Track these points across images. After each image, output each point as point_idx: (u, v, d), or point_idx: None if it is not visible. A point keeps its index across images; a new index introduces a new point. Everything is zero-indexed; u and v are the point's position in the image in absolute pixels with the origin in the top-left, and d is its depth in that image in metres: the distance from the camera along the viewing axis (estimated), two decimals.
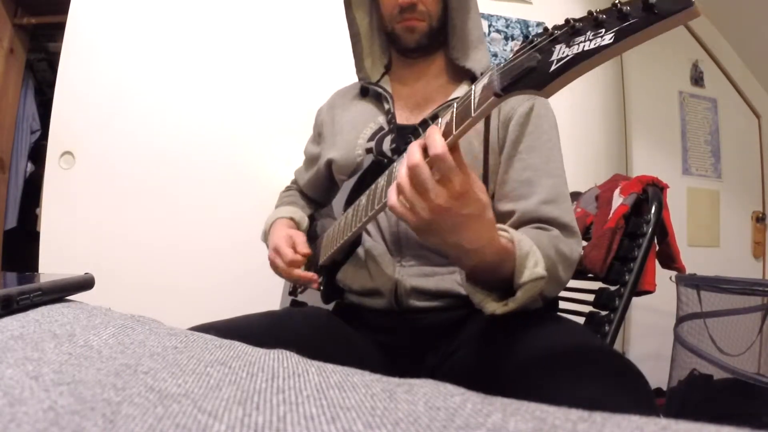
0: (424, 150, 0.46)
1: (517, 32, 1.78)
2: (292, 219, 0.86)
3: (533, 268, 0.53)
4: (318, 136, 0.93)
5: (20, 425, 0.19)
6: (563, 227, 0.66)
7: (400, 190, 0.47)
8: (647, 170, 1.12)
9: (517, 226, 0.68)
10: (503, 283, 0.55)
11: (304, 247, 0.75)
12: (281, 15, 1.59)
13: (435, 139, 0.44)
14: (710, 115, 2.18)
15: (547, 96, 0.38)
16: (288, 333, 0.63)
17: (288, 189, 1.04)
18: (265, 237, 0.87)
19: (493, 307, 0.53)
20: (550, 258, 0.59)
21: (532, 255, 0.54)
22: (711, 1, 2.03)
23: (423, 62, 0.82)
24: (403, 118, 0.79)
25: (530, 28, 1.78)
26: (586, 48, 0.34)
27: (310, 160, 0.95)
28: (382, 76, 0.87)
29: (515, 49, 0.41)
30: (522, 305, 0.53)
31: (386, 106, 0.80)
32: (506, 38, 1.77)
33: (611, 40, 0.33)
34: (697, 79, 2.18)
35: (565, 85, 0.37)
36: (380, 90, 0.81)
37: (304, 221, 0.88)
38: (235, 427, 0.19)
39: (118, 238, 1.41)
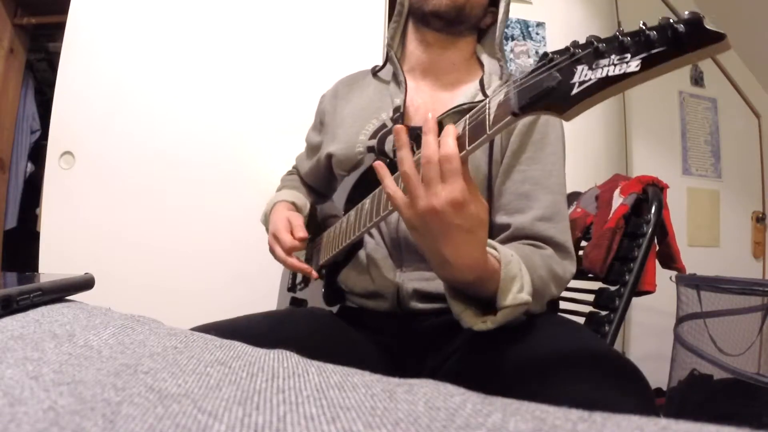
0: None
1: (517, 32, 1.78)
2: (294, 204, 0.85)
3: (517, 293, 0.50)
4: (320, 125, 0.91)
5: (20, 425, 0.18)
6: (557, 247, 0.65)
7: (405, 178, 0.46)
8: (647, 170, 1.12)
9: (510, 241, 0.66)
10: (485, 299, 0.53)
11: (300, 231, 0.74)
12: (281, 15, 1.58)
13: (447, 140, 0.43)
14: (710, 115, 2.18)
15: (567, 120, 0.36)
16: (289, 333, 0.63)
17: (290, 173, 1.03)
18: (266, 219, 0.86)
19: (471, 321, 0.52)
20: (542, 278, 0.58)
21: (518, 279, 0.51)
22: (711, 1, 2.03)
23: (437, 49, 0.79)
24: (407, 117, 0.77)
25: (530, 28, 1.78)
26: (610, 73, 0.32)
27: (312, 148, 0.94)
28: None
29: (534, 65, 0.39)
30: (501, 325, 0.51)
31: (396, 102, 0.77)
32: (506, 38, 1.77)
33: (637, 68, 0.31)
34: (697, 79, 2.18)
35: (586, 110, 0.35)
36: (402, 76, 0.79)
37: (306, 207, 0.87)
38: (235, 427, 0.19)
39: (118, 238, 1.41)
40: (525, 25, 1.78)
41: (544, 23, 1.78)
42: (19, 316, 0.36)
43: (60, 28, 1.50)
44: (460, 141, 0.45)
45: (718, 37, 0.29)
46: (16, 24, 1.98)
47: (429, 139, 0.45)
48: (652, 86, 2.08)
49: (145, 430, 0.19)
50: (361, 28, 1.59)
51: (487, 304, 0.53)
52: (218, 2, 1.55)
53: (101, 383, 0.23)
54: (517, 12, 1.78)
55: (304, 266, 0.74)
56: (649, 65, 0.31)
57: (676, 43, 0.30)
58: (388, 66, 0.84)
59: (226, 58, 1.54)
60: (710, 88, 2.19)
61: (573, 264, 0.65)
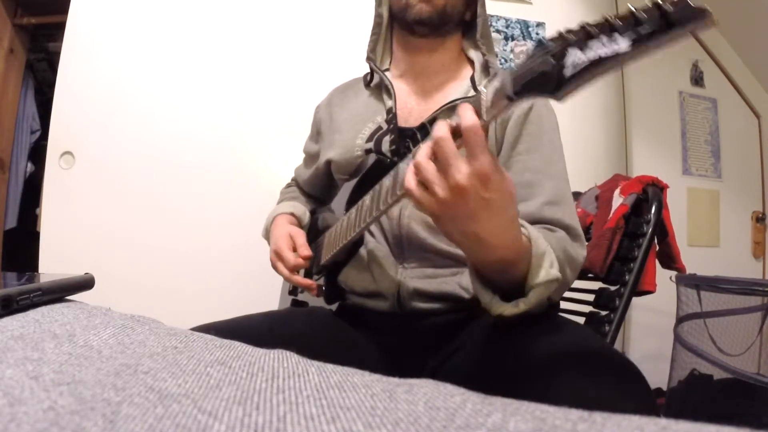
0: (452, 131, 0.43)
1: (517, 32, 1.78)
2: (292, 214, 0.86)
3: (549, 269, 0.50)
4: (317, 134, 0.92)
5: (20, 425, 0.18)
6: (568, 229, 0.65)
7: (418, 168, 0.44)
8: (647, 170, 1.12)
9: None
10: (511, 285, 0.52)
11: (304, 250, 0.74)
12: (280, 15, 1.58)
13: (467, 113, 0.42)
14: (710, 115, 2.18)
15: (562, 101, 0.38)
16: (289, 333, 0.63)
17: (288, 186, 1.04)
18: (266, 233, 0.87)
19: (501, 308, 0.51)
20: (560, 259, 0.57)
21: (548, 255, 0.51)
22: (711, 1, 2.03)
23: (425, 53, 0.79)
24: (402, 119, 0.78)
25: (530, 28, 1.78)
26: (601, 54, 0.34)
27: (310, 158, 0.95)
28: (384, 71, 0.85)
29: (528, 52, 0.40)
30: (532, 307, 0.50)
31: (388, 104, 0.78)
32: (506, 38, 1.77)
33: (627, 48, 0.33)
34: (697, 79, 2.18)
35: (579, 91, 0.37)
36: (387, 82, 0.79)
37: (306, 216, 0.87)
38: (235, 427, 0.19)
39: (118, 238, 1.41)
40: (525, 25, 1.78)
41: (544, 23, 1.78)
42: (19, 316, 0.36)
43: (60, 28, 1.50)
44: (457, 128, 0.44)
45: (702, 15, 0.31)
46: (16, 24, 1.98)
47: (439, 123, 0.44)
48: (652, 86, 2.08)
49: (145, 430, 0.19)
50: (360, 31, 1.59)
51: (508, 293, 0.52)
52: (218, 3, 1.55)
53: (101, 383, 0.23)
54: (517, 12, 1.79)
55: (309, 282, 0.74)
56: (639, 44, 0.32)
57: (664, 22, 0.31)
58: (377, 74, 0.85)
59: (226, 59, 1.54)
60: (710, 88, 2.19)
61: (584, 248, 0.65)
